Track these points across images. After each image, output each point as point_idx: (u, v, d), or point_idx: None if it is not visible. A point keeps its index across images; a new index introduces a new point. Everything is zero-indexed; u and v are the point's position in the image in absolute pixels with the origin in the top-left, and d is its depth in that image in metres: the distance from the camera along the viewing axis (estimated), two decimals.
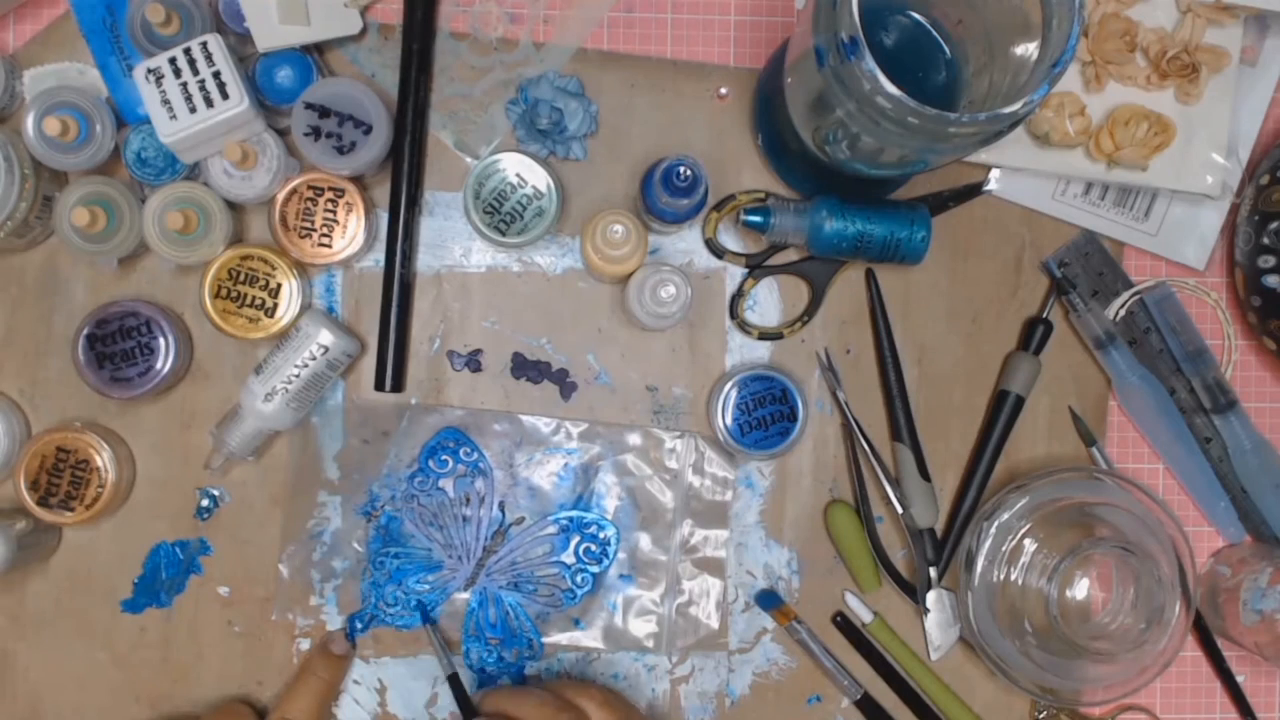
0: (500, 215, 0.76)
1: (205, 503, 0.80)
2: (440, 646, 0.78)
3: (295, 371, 0.76)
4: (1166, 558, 0.76)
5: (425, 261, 0.80)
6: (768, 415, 0.78)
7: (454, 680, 0.77)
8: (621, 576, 0.81)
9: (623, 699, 0.74)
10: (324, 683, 0.77)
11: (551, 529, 0.80)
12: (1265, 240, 0.77)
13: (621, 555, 0.81)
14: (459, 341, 0.81)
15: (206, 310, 0.77)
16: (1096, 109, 0.78)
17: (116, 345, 0.76)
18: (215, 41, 0.72)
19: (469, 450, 0.80)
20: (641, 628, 0.81)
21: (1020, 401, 0.81)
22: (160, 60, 0.72)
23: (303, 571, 0.80)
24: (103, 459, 0.77)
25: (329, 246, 0.77)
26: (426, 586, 0.80)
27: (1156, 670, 0.77)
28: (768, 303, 0.81)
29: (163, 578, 0.80)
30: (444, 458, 0.80)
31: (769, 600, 0.80)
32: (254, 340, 0.77)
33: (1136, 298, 0.82)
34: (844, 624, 0.81)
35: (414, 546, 0.80)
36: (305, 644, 0.80)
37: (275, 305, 0.77)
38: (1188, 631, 0.79)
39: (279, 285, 0.77)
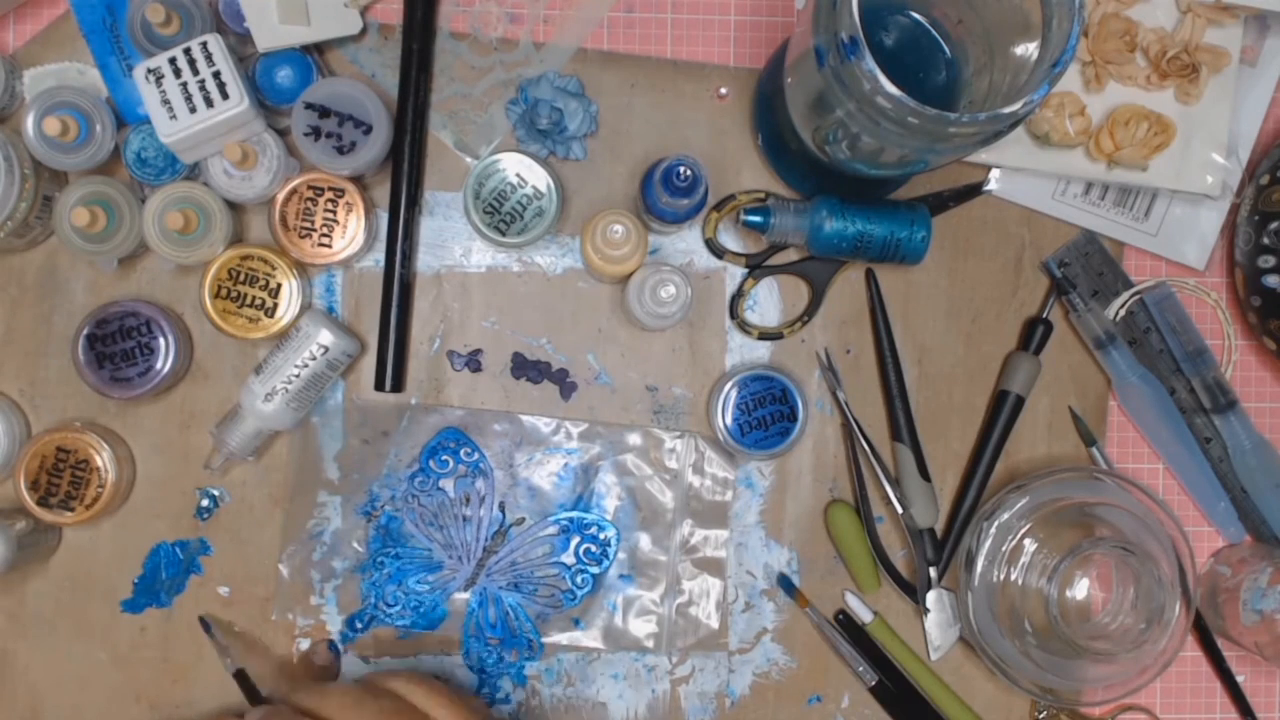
0: (500, 215, 0.76)
1: (205, 503, 0.80)
2: (220, 645, 0.76)
3: (295, 371, 0.76)
4: (1166, 558, 0.76)
5: (425, 261, 0.80)
6: (768, 415, 0.78)
7: (240, 676, 0.74)
8: (621, 576, 0.81)
9: (438, 681, 0.70)
10: None
11: (552, 530, 0.80)
12: (1265, 240, 0.77)
13: (621, 555, 0.81)
14: (459, 341, 0.81)
15: (206, 310, 0.77)
16: (1096, 109, 0.78)
17: (116, 345, 0.76)
18: (215, 41, 0.72)
19: (469, 450, 0.80)
20: (641, 628, 0.81)
21: (1020, 401, 0.81)
22: (160, 60, 0.72)
23: (303, 571, 0.80)
24: (103, 459, 0.77)
25: (329, 246, 0.77)
26: (426, 586, 0.80)
27: (1156, 670, 0.77)
28: (768, 303, 0.81)
29: (163, 578, 0.80)
30: (445, 458, 0.80)
31: (789, 585, 0.81)
32: (254, 340, 0.77)
33: (1136, 298, 0.82)
34: (844, 624, 0.81)
35: (414, 547, 0.80)
36: (305, 644, 0.80)
37: (275, 305, 0.77)
38: (1188, 631, 0.79)
39: (279, 285, 0.77)
